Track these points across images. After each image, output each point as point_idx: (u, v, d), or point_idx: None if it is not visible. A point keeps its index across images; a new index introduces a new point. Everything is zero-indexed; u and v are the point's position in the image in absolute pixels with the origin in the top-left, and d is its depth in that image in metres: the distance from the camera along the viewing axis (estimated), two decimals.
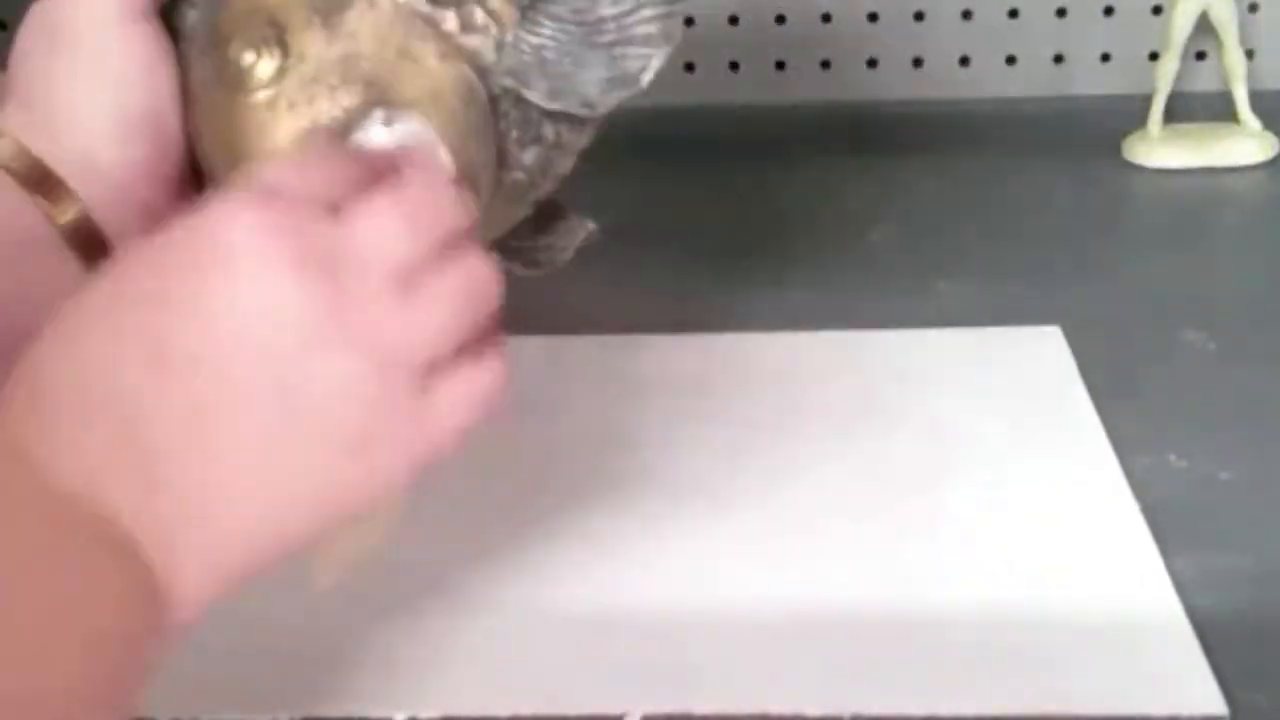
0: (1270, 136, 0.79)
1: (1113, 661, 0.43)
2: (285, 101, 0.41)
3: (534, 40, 0.42)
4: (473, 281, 0.35)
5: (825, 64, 0.86)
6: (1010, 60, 0.85)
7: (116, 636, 0.33)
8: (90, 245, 0.42)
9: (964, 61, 0.85)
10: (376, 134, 0.40)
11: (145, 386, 0.34)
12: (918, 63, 0.85)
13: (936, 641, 0.44)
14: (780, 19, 0.85)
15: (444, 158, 0.40)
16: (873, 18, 0.85)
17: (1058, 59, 0.85)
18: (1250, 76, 0.80)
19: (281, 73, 0.41)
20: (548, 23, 0.42)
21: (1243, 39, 0.79)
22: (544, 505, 0.51)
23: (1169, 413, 0.56)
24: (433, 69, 0.41)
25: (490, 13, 0.42)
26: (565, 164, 0.45)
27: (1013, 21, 0.85)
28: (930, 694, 0.42)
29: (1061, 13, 0.84)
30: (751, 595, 0.46)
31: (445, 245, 0.35)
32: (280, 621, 0.45)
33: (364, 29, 0.41)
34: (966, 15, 0.84)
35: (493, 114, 0.42)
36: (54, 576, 0.32)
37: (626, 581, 0.47)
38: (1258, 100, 0.80)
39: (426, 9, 0.41)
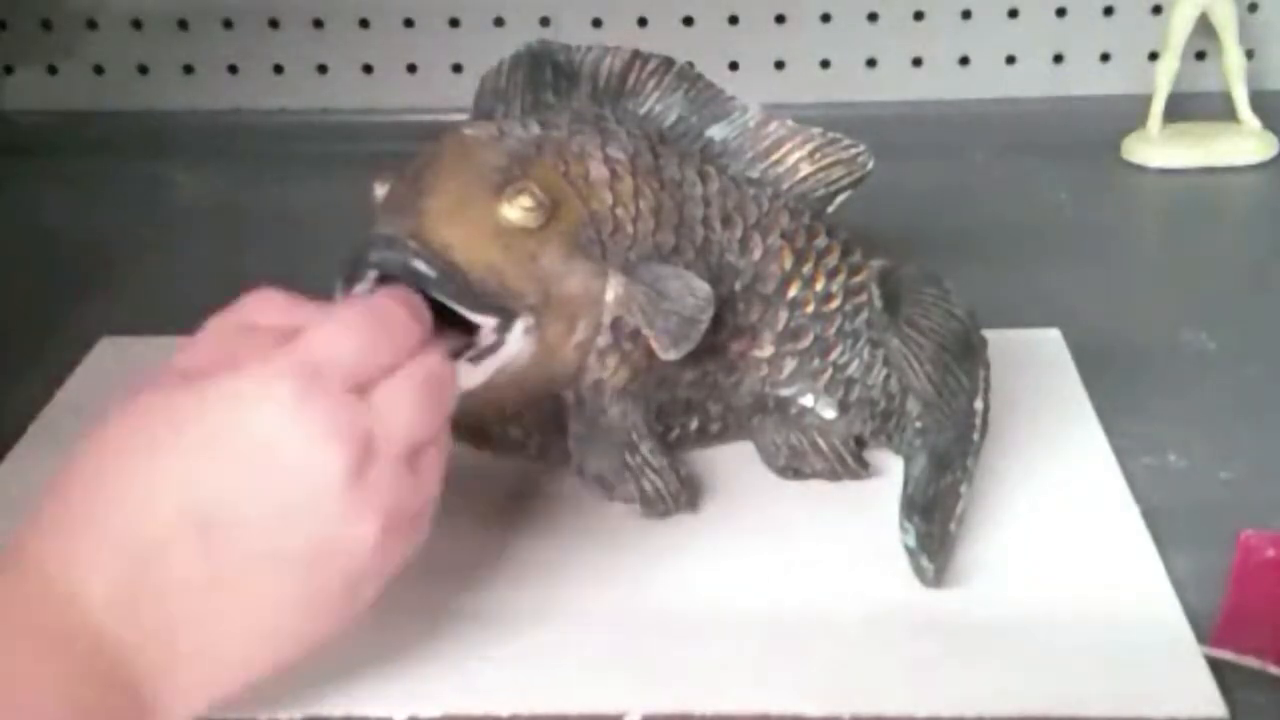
0: (1270, 136, 0.79)
1: (1112, 662, 0.43)
2: None
3: None
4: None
5: (825, 64, 0.86)
6: (1010, 60, 0.85)
7: None
8: None
9: (964, 61, 0.85)
10: None
11: (174, 540, 0.36)
12: (917, 63, 0.85)
13: (936, 642, 0.44)
14: (780, 19, 0.85)
15: None
16: (873, 18, 0.85)
17: (1057, 59, 0.85)
18: (1250, 76, 0.80)
19: None
20: None
21: (1243, 39, 0.79)
22: (543, 506, 0.51)
23: (1169, 413, 0.56)
24: None
25: None
26: None
27: (1012, 21, 0.84)
28: (930, 694, 0.42)
29: (1061, 13, 0.84)
30: (751, 595, 0.46)
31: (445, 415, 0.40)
32: None
33: None
34: (966, 15, 0.84)
35: None
36: (45, 693, 0.34)
37: (626, 581, 0.47)
38: (1258, 100, 0.80)
39: None
